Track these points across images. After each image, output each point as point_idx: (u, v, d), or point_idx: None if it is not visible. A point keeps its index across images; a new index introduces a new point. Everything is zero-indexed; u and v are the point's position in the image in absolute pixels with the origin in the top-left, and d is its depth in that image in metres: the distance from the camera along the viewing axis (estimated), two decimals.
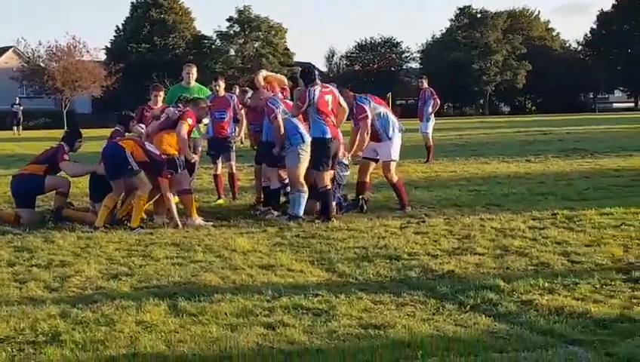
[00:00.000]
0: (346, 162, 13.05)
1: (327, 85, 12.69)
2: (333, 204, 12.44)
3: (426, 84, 24.44)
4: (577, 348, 5.98)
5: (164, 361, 5.80)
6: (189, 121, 12.49)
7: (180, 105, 13.22)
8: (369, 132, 12.89)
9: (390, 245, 10.06)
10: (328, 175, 12.27)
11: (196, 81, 15.16)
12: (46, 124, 63.37)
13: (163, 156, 12.12)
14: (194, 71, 15.00)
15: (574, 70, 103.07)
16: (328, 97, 12.36)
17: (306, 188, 12.24)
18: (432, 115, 24.18)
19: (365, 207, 13.02)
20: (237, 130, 14.98)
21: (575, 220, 11.67)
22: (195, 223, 11.99)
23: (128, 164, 11.79)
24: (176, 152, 12.38)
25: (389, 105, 63.13)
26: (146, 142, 12.26)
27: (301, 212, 12.20)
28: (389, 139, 13.15)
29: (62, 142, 12.96)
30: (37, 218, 12.50)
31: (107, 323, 6.73)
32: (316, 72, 12.71)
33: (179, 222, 11.84)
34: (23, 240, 10.80)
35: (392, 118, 13.37)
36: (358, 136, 12.83)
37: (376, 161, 13.44)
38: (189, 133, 12.70)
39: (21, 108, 58.67)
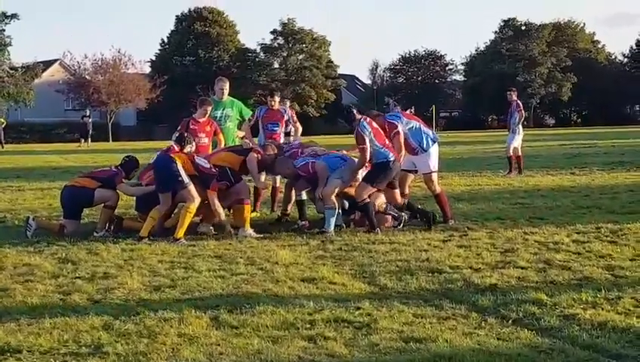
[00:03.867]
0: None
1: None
2: (390, 219, 12.67)
3: (514, 97, 24.18)
4: None
5: None
6: (258, 156, 12.81)
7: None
8: (402, 146, 12.90)
9: (432, 258, 10.03)
10: (369, 191, 12.32)
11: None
12: (91, 137, 63.82)
13: (213, 169, 12.23)
14: (227, 86, 15.12)
15: (620, 82, 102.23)
16: (376, 124, 12.66)
17: (337, 205, 12.38)
18: (519, 126, 23.89)
19: (406, 218, 13.00)
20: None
21: (619, 234, 11.57)
22: (246, 234, 12.07)
23: (179, 176, 11.91)
24: (230, 165, 12.56)
25: (433, 117, 62.97)
26: (196, 156, 12.38)
27: (331, 228, 12.27)
28: (425, 151, 13.17)
29: (119, 168, 13.15)
30: (81, 230, 12.63)
31: (149, 335, 6.77)
32: (353, 109, 12.99)
33: (231, 229, 11.92)
34: (67, 252, 10.89)
35: (426, 130, 13.40)
36: (396, 151, 12.78)
37: (414, 172, 13.47)
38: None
39: (90, 120, 59.42)
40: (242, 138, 14.42)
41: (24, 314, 7.51)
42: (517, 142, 23.47)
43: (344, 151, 13.53)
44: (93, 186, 12.77)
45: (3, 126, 57.19)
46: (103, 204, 12.79)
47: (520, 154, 23.46)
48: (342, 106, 14.63)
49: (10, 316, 7.48)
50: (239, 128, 15.06)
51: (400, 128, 12.96)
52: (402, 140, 12.92)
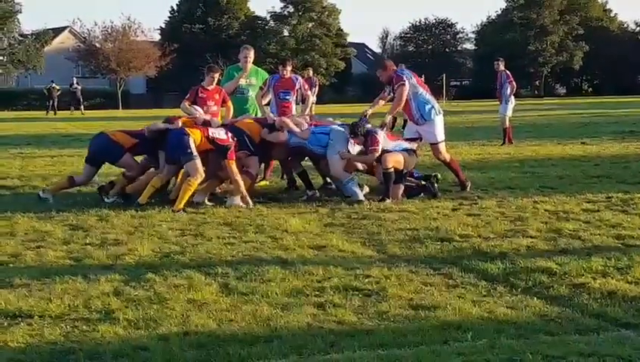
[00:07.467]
0: (414, 147, 12.89)
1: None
2: (402, 187, 12.49)
3: (502, 67, 23.87)
4: (629, 331, 5.93)
5: (215, 339, 5.83)
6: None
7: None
8: (402, 99, 12.86)
9: (442, 227, 10.03)
10: (395, 160, 12.27)
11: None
12: (101, 104, 63.92)
13: (232, 139, 12.18)
14: (251, 54, 14.99)
15: (632, 51, 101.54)
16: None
17: (350, 175, 12.50)
18: (511, 97, 23.67)
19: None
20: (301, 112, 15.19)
21: (630, 203, 11.55)
22: (234, 203, 12.02)
23: (188, 148, 11.85)
24: (250, 133, 12.68)
25: (443, 86, 62.74)
26: (209, 129, 12.31)
27: (360, 196, 12.29)
28: (426, 121, 13.08)
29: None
30: (94, 181, 12.61)
31: (159, 302, 6.80)
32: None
33: (249, 201, 11.94)
34: (77, 219, 10.91)
35: (431, 100, 13.29)
36: (394, 101, 12.80)
37: (418, 140, 13.43)
38: None
39: (79, 88, 59.16)
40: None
41: (35, 280, 7.54)
42: (508, 112, 23.30)
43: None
44: (128, 144, 12.67)
45: (59, 93, 57.23)
46: (122, 173, 12.77)
47: (507, 125, 23.15)
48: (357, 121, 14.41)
49: (21, 281, 7.51)
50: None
51: (406, 82, 12.87)
52: (404, 94, 12.84)
